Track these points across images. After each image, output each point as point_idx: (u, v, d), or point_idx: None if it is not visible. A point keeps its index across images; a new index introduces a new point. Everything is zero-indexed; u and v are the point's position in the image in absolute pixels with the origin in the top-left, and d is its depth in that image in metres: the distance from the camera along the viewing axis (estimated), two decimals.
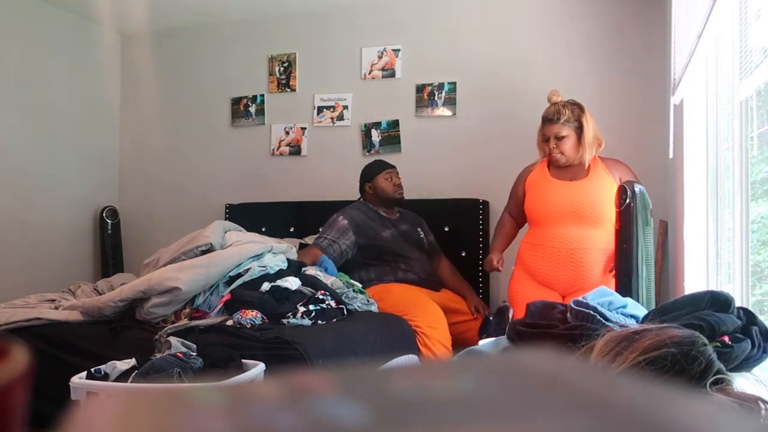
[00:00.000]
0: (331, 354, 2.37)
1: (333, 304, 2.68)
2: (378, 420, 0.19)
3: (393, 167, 3.45)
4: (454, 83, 3.88)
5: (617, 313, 1.47)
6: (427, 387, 0.21)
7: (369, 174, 3.44)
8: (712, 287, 2.32)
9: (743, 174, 2.06)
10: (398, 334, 2.85)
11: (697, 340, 0.97)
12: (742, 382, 1.06)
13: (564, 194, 2.68)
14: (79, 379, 1.99)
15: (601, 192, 2.63)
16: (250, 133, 4.32)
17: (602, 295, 1.53)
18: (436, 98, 3.92)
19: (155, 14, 4.23)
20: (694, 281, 2.51)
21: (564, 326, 1.37)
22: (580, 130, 2.67)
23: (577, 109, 2.71)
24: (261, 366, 2.08)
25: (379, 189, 3.38)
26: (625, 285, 2.43)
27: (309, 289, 2.71)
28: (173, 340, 2.22)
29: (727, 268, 2.25)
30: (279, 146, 4.25)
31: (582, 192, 2.65)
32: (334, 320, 2.64)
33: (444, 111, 3.91)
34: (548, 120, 2.71)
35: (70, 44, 4.18)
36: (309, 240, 3.64)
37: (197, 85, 4.44)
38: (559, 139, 2.67)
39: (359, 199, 3.50)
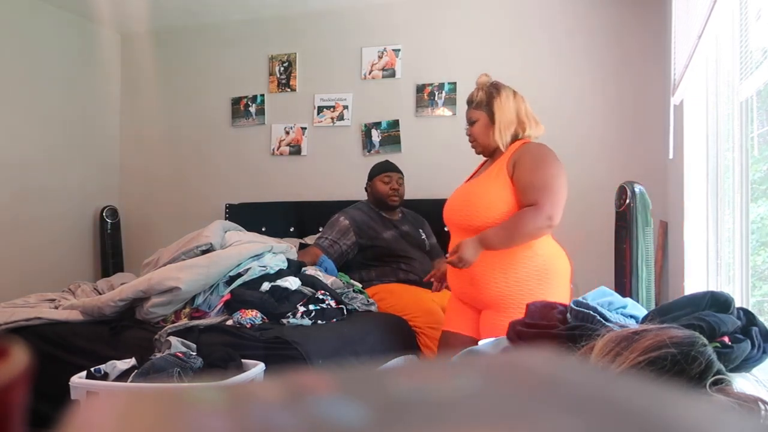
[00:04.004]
0: (331, 354, 2.37)
1: (333, 304, 2.68)
2: (377, 420, 0.19)
3: (395, 171, 3.40)
4: (454, 83, 3.88)
5: (617, 313, 1.47)
6: (426, 387, 0.21)
7: (370, 174, 3.45)
8: (712, 288, 2.33)
9: (743, 174, 2.06)
10: (398, 334, 2.84)
11: (697, 340, 0.97)
12: (742, 383, 1.06)
13: (450, 200, 2.35)
14: (79, 379, 1.99)
15: (479, 194, 2.22)
16: (250, 133, 4.32)
17: (602, 295, 1.53)
18: (436, 98, 3.92)
19: (155, 14, 4.23)
20: (694, 282, 2.51)
21: (564, 326, 1.37)
22: (492, 114, 2.26)
23: (493, 89, 2.28)
24: (261, 366, 2.08)
25: (374, 190, 3.38)
26: (625, 285, 2.43)
27: (309, 289, 2.71)
28: (173, 339, 2.22)
29: (727, 268, 2.25)
30: (279, 146, 4.25)
31: (460, 197, 2.29)
32: (334, 320, 2.64)
33: (444, 111, 3.91)
34: (467, 104, 2.39)
35: (70, 44, 4.18)
36: (309, 240, 3.64)
37: (197, 85, 4.44)
38: (471, 124, 2.33)
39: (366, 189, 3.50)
